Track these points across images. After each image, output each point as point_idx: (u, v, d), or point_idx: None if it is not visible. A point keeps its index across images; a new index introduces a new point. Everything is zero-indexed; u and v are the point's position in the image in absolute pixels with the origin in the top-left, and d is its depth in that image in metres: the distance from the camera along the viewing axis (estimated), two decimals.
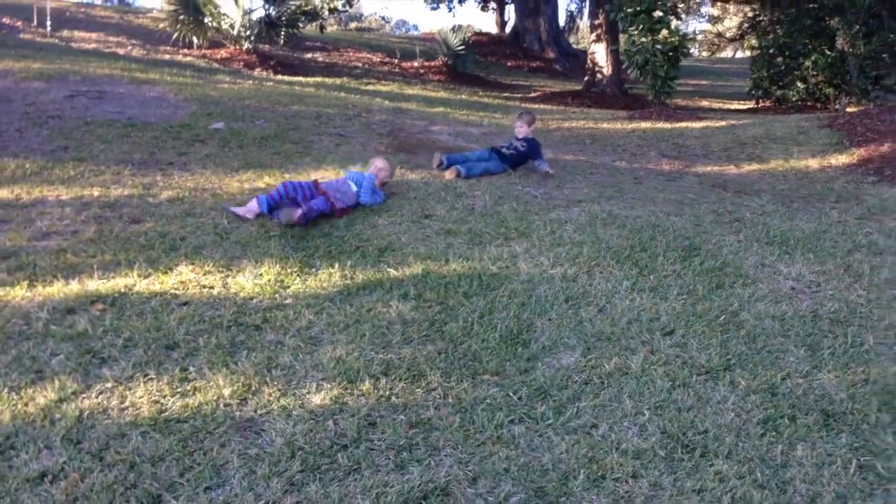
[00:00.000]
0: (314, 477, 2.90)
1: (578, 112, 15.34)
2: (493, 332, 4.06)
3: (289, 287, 4.56)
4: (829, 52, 15.32)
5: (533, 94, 20.30)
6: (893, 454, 3.01)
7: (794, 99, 16.16)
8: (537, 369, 3.71)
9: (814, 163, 8.98)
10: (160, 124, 8.43)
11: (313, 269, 4.80)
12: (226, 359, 3.71)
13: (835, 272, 4.93)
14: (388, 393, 3.47)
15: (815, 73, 15.48)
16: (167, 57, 16.38)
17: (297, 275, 4.72)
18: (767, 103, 18.10)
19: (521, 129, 7.55)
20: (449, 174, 7.03)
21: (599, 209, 6.12)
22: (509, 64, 28.13)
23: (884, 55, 14.95)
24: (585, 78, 21.08)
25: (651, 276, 4.81)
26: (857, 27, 14.38)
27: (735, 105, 19.74)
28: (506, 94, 19.50)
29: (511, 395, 3.48)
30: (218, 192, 6.27)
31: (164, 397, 3.36)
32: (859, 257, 5.22)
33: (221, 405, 3.33)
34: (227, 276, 4.68)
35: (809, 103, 16.43)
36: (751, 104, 18.85)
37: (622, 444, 3.10)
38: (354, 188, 6.06)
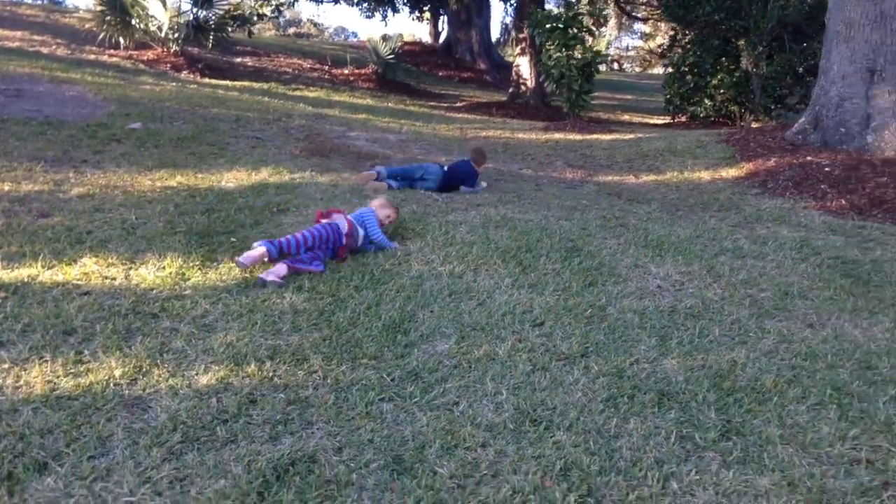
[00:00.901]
0: (193, 447, 3.15)
1: (499, 122, 15.79)
2: (378, 321, 4.36)
3: (189, 279, 4.79)
4: (734, 72, 16.11)
5: (459, 104, 20.72)
6: (711, 427, 3.42)
7: (701, 115, 16.93)
8: (413, 355, 4.02)
9: (706, 175, 9.54)
10: (77, 123, 8.51)
11: (215, 263, 5.04)
12: (120, 343, 3.93)
13: (698, 273, 5.38)
14: (271, 374, 3.74)
15: (721, 91, 16.26)
16: (92, 57, 16.26)
17: (199, 268, 4.94)
18: (683, 119, 18.88)
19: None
20: (372, 182, 7.14)
21: (495, 212, 6.48)
22: (441, 74, 28.57)
23: (786, 76, 15.80)
24: (510, 90, 21.62)
25: (531, 274, 5.18)
26: (761, 48, 15.18)
27: (654, 120, 20.51)
28: (432, 103, 19.88)
29: (385, 376, 3.78)
30: (129, 189, 6.44)
31: (58, 377, 3.57)
32: (723, 260, 5.68)
33: (112, 385, 3.55)
34: (131, 268, 4.88)
35: (719, 120, 17.21)
36: (668, 119, 19.61)
37: (477, 419, 3.43)
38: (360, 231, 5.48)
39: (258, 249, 4.99)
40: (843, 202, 8.02)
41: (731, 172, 9.56)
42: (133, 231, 5.45)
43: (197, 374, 3.69)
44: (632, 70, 45.16)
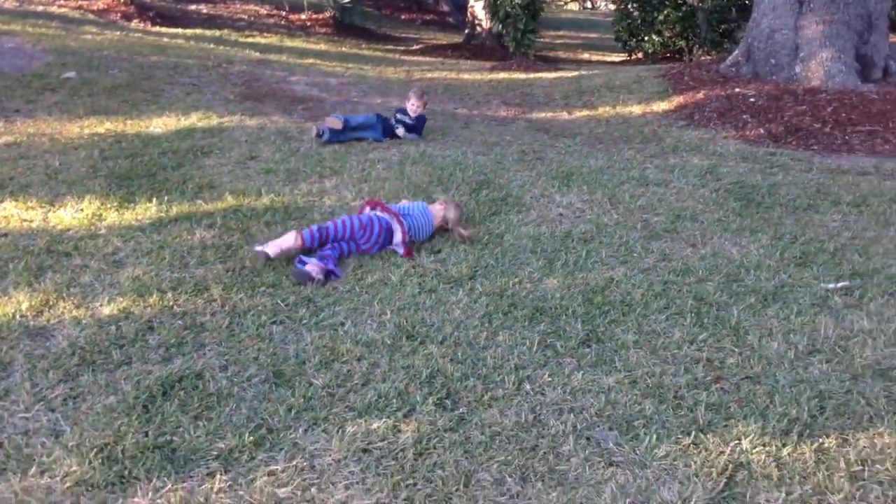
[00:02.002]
0: (88, 369, 3.38)
1: (452, 64, 15.83)
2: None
3: (105, 220, 4.97)
4: (680, 7, 16.20)
5: (416, 47, 20.63)
6: (573, 336, 3.70)
7: (649, 51, 17.05)
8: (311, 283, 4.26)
9: (637, 109, 9.75)
10: (12, 74, 8.55)
11: (132, 204, 5.22)
12: (31, 280, 4.13)
13: (600, 200, 5.63)
14: (171, 304, 3.97)
15: (667, 26, 16.37)
16: (40, 8, 16.01)
17: (116, 209, 5.12)
18: (640, 55, 18.95)
19: (413, 105, 7.24)
20: (331, 122, 6.78)
21: (415, 150, 6.67)
22: (403, 17, 28.29)
23: (731, 9, 15.93)
24: (465, 31, 21.54)
25: None
26: None
27: (612, 58, 20.54)
28: (389, 47, 19.79)
29: (280, 302, 4.03)
30: (57, 136, 6.55)
31: None
32: (626, 188, 5.94)
33: (18, 317, 3.77)
34: (49, 211, 5.05)
35: (669, 56, 17.35)
36: (625, 57, 19.68)
37: (359, 336, 3.69)
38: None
39: (288, 237, 4.41)
40: (762, 131, 8.28)
41: (661, 106, 9.77)
42: (55, 176, 5.60)
43: (101, 306, 3.91)
44: (606, 7, 44.76)
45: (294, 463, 2.80)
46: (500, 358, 3.51)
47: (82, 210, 5.08)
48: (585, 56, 20.68)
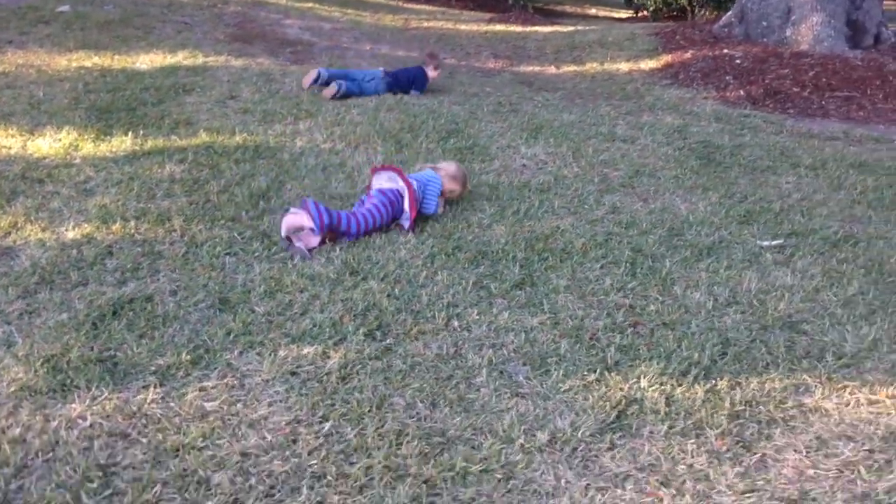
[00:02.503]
0: (46, 288, 3.58)
1: (451, 13, 15.78)
2: (247, 189, 4.75)
3: (80, 150, 5.14)
4: None
5: None
6: (508, 279, 3.88)
7: (651, 10, 16.94)
8: (267, 218, 4.44)
9: (625, 66, 9.80)
10: (8, 6, 8.65)
11: (108, 137, 5.38)
12: (2, 203, 4.31)
13: (564, 153, 5.77)
14: (133, 232, 4.15)
15: None
16: None
17: (92, 140, 5.29)
18: (646, 13, 18.79)
19: (432, 74, 7.38)
20: (327, 92, 6.72)
21: (392, 98, 6.79)
22: None
23: None
24: None
25: (405, 152, 5.56)
26: None
27: (618, 14, 20.38)
28: None
29: (236, 235, 4.21)
30: (44, 68, 6.68)
31: None
32: (593, 143, 6.07)
33: None
34: (29, 139, 5.22)
35: (673, 15, 17.23)
36: (631, 13, 19.52)
37: (305, 270, 3.88)
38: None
39: (296, 216, 4.08)
40: (741, 93, 8.35)
41: (649, 64, 9.82)
42: (38, 106, 5.75)
43: (66, 230, 4.10)
44: None
45: (225, 381, 3.00)
46: (435, 296, 3.69)
47: (60, 140, 5.24)
48: (592, 11, 20.52)
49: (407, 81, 7.22)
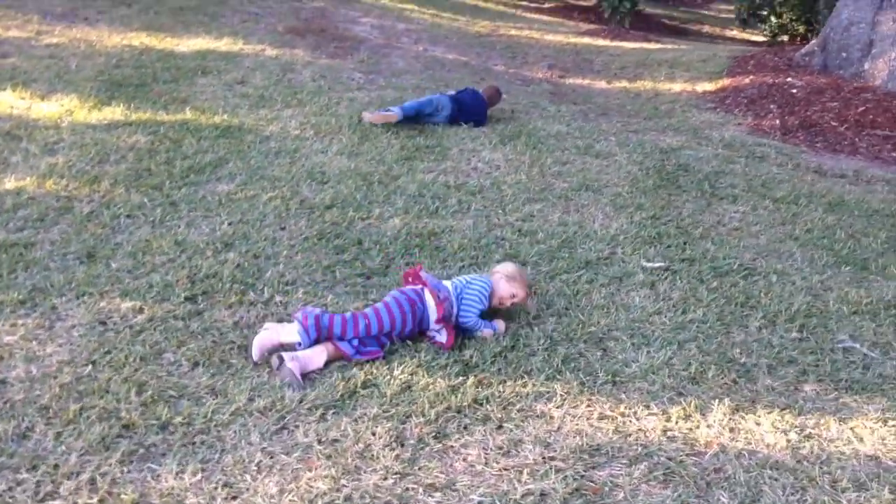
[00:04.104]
0: None
1: (549, 23, 15.70)
2: (188, 163, 5.10)
3: (72, 115, 5.68)
4: None
5: (547, 5, 20.44)
6: (367, 265, 4.00)
7: (765, 33, 16.17)
8: (198, 190, 4.75)
9: (678, 87, 9.52)
10: None
11: (104, 107, 5.90)
12: None
13: (522, 161, 5.77)
14: (61, 189, 4.58)
15: (786, 8, 15.45)
16: None
17: (88, 109, 5.82)
18: (761, 37, 17.99)
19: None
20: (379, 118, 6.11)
21: (395, 94, 6.99)
22: None
23: None
24: None
25: (365, 145, 5.75)
26: None
27: (736, 34, 19.54)
28: (523, 3, 19.59)
29: (147, 201, 4.55)
30: (94, 44, 7.37)
31: None
32: (560, 155, 6.02)
33: None
34: (36, 102, 5.82)
35: (786, 40, 16.38)
36: (746, 36, 18.72)
37: (180, 238, 4.16)
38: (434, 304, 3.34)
39: (269, 333, 3.20)
40: (777, 122, 7.96)
41: (704, 87, 9.49)
42: (63, 75, 6.38)
43: (6, 181, 4.58)
44: None
45: (37, 321, 3.32)
46: (279, 274, 3.87)
47: (62, 105, 5.80)
48: (706, 29, 19.76)
49: (468, 114, 6.49)
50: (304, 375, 3.05)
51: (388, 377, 3.06)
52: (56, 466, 2.50)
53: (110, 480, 2.47)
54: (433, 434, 2.76)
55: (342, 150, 5.59)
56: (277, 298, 3.66)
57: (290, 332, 3.12)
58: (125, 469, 2.52)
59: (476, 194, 5.10)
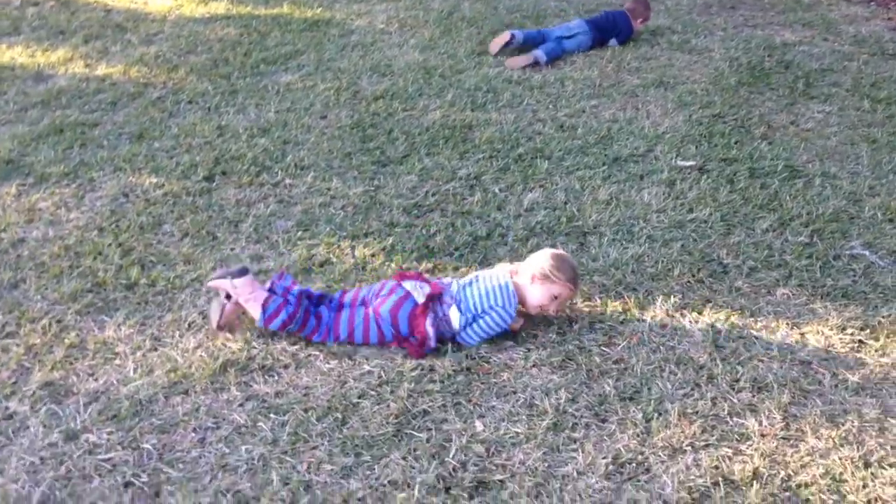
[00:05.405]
0: (40, 106, 4.53)
1: None
2: (266, 54, 5.31)
3: (181, 9, 6.04)
4: None
5: None
6: (388, 152, 4.04)
7: None
8: (262, 79, 4.95)
9: None
10: None
11: (212, 1, 6.19)
12: (78, 42, 5.34)
13: (599, 56, 5.43)
14: (141, 76, 4.95)
15: None
16: None
17: (198, 3, 6.14)
18: None
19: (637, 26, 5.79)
20: (522, 61, 5.25)
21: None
22: None
23: None
24: None
25: (443, 40, 5.66)
26: None
27: None
28: None
29: (211, 89, 4.79)
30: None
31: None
32: (649, 50, 5.61)
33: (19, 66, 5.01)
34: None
35: None
36: None
37: (240, 122, 4.38)
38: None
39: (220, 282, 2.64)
40: None
41: None
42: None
43: (100, 68, 5.01)
44: None
45: (71, 190, 3.67)
46: (301, 158, 3.98)
47: (176, 0, 6.15)
48: None
49: (609, 31, 5.69)
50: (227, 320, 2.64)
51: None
52: (25, 311, 2.79)
53: (61, 327, 2.72)
54: None
55: (417, 45, 5.53)
56: (287, 181, 3.77)
57: (254, 308, 2.57)
58: (78, 318, 2.76)
59: (535, 89, 4.89)
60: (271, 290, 2.59)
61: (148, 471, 2.11)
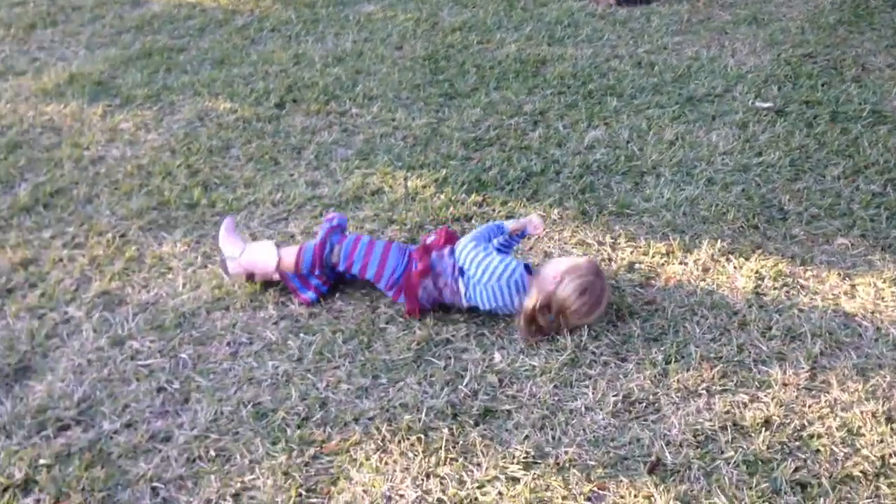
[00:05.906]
0: (133, 31, 4.72)
1: None
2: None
3: None
4: None
5: None
6: (457, 85, 4.02)
7: None
8: (344, 9, 4.98)
9: None
10: None
11: None
12: None
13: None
14: (229, 3, 5.05)
15: None
16: None
17: None
18: None
19: None
20: None
21: None
22: None
23: None
24: None
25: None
26: None
27: None
28: None
29: (293, 17, 4.87)
30: None
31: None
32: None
33: None
34: None
35: None
36: None
37: (317, 52, 4.45)
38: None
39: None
40: None
41: None
42: None
43: None
44: None
45: (154, 110, 3.84)
46: (371, 88, 4.01)
47: None
48: None
49: None
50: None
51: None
52: (94, 225, 2.97)
53: (124, 241, 2.89)
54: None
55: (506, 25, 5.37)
56: (353, 111, 3.81)
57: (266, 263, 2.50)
58: (140, 234, 2.93)
59: (617, 24, 4.71)
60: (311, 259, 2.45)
61: (181, 378, 2.23)
